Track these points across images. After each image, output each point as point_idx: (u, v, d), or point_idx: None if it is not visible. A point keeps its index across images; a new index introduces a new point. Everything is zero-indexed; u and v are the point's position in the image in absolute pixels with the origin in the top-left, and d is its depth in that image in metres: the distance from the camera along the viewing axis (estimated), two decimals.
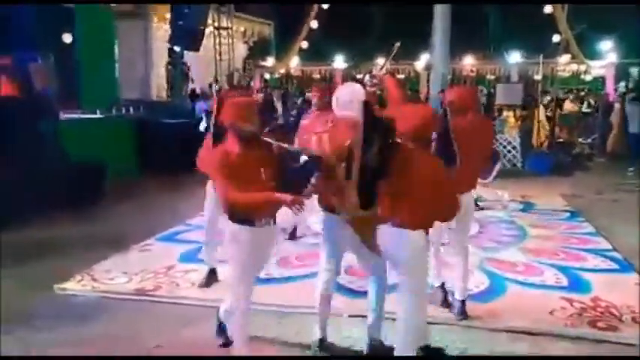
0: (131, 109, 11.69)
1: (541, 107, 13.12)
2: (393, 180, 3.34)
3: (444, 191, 3.44)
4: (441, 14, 12.85)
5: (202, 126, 5.85)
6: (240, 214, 3.42)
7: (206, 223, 5.16)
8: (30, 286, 5.07)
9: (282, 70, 21.72)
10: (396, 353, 3.51)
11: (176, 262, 5.76)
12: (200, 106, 12.26)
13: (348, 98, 3.59)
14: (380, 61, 18.14)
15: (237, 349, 3.56)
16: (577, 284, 5.14)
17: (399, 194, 3.35)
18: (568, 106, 15.07)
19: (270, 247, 3.67)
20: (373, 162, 3.33)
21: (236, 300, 3.54)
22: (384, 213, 3.43)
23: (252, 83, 20.64)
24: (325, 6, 19.77)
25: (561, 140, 12.97)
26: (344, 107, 3.59)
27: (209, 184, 4.88)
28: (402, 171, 3.33)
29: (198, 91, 15.29)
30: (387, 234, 3.43)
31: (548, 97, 14.56)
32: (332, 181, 3.46)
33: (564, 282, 5.20)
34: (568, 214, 7.84)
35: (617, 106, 13.52)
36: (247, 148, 3.37)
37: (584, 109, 15.58)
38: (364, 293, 3.99)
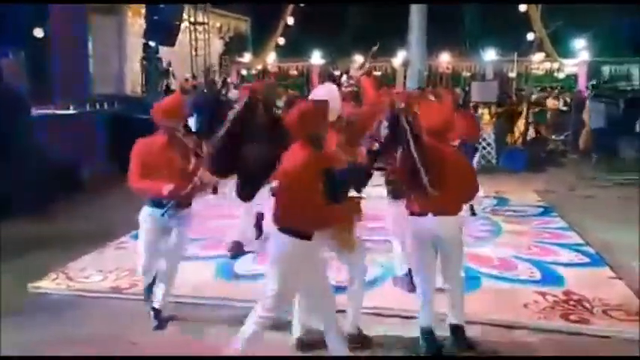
0: (105, 105, 11.53)
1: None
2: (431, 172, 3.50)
3: (470, 176, 3.88)
4: (417, 11, 12.94)
5: (194, 125, 5.61)
6: (305, 227, 3.24)
7: (148, 252, 4.33)
8: (3, 284, 4.97)
9: (259, 67, 21.61)
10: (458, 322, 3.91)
11: None
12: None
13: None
14: (357, 58, 18.23)
15: (232, 350, 3.39)
16: (550, 278, 5.24)
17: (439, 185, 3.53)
18: (550, 103, 15.32)
19: (318, 262, 3.47)
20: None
21: (265, 311, 3.35)
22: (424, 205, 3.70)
23: (228, 79, 20.51)
24: (301, 3, 19.76)
25: (535, 137, 13.15)
26: None
27: (146, 210, 4.21)
28: (434, 164, 3.50)
29: (173, 86, 15.14)
30: (435, 223, 3.71)
31: (535, 95, 14.81)
32: None
33: (538, 276, 5.29)
34: (541, 210, 7.97)
35: (588, 103, 13.76)
36: (317, 152, 3.24)
37: (561, 106, 15.83)
38: (345, 289, 4.01)
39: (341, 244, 3.75)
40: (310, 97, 3.71)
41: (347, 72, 4.69)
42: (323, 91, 3.73)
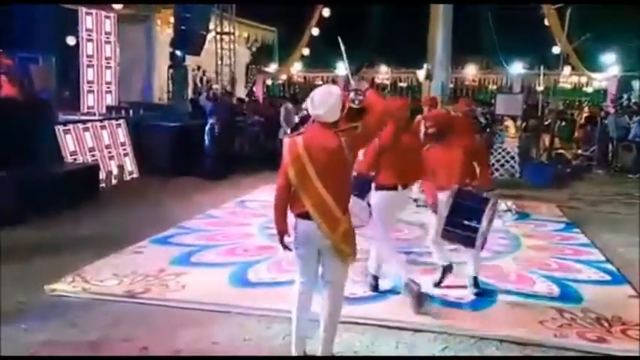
0: (131, 112, 11.71)
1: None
2: None
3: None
4: (441, 23, 12.89)
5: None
6: None
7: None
8: (21, 286, 5.05)
9: (284, 77, 21.76)
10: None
11: (168, 265, 5.74)
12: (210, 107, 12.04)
13: (323, 99, 3.57)
14: (383, 68, 18.24)
15: None
16: (568, 295, 5.12)
17: None
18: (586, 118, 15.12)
19: None
20: None
21: None
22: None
23: (254, 89, 20.68)
24: (326, 13, 19.86)
25: (560, 151, 12.94)
26: (319, 108, 3.57)
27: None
28: None
29: (204, 95, 15.31)
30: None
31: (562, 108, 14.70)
32: None
33: (556, 292, 5.18)
34: (563, 225, 7.81)
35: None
36: None
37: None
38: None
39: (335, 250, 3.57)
40: (309, 97, 3.64)
41: (352, 87, 4.45)
42: (321, 91, 3.64)
